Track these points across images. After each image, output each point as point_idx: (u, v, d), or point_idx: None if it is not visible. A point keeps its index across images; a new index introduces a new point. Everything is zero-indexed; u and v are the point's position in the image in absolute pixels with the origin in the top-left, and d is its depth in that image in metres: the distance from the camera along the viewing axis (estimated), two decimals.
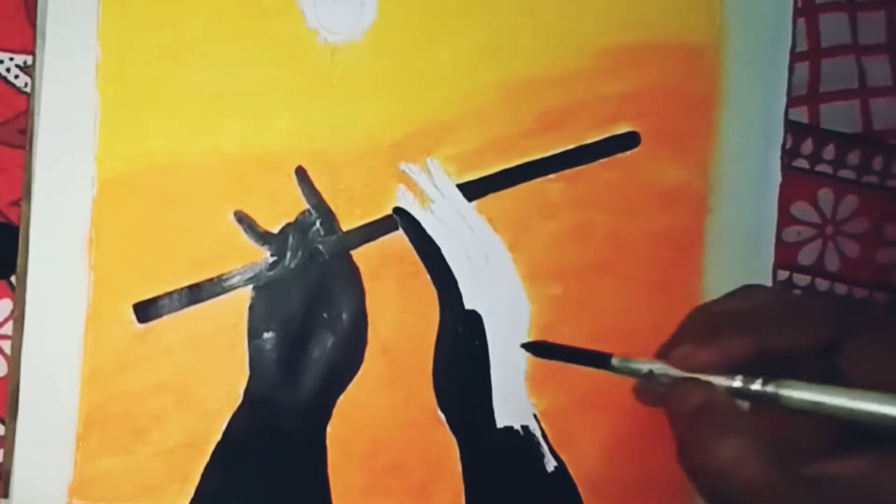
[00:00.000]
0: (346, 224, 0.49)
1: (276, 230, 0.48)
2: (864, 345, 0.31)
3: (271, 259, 0.48)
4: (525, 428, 0.50)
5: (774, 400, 0.31)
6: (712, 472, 0.30)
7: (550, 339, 0.49)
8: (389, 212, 0.49)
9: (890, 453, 0.30)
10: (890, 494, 0.30)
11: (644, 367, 0.33)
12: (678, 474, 0.50)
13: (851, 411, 0.30)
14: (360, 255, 0.49)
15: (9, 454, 0.46)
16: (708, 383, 0.32)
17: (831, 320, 0.32)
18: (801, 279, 0.53)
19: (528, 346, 0.41)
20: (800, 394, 0.31)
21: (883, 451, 0.30)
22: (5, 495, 0.46)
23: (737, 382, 0.32)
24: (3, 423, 0.47)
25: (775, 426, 0.32)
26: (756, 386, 0.31)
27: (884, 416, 0.29)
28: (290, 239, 0.48)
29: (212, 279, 0.48)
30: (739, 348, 0.32)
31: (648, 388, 0.34)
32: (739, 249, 0.51)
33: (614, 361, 0.34)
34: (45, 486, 0.46)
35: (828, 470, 0.31)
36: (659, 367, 0.33)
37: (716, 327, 0.33)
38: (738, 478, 0.30)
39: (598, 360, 0.35)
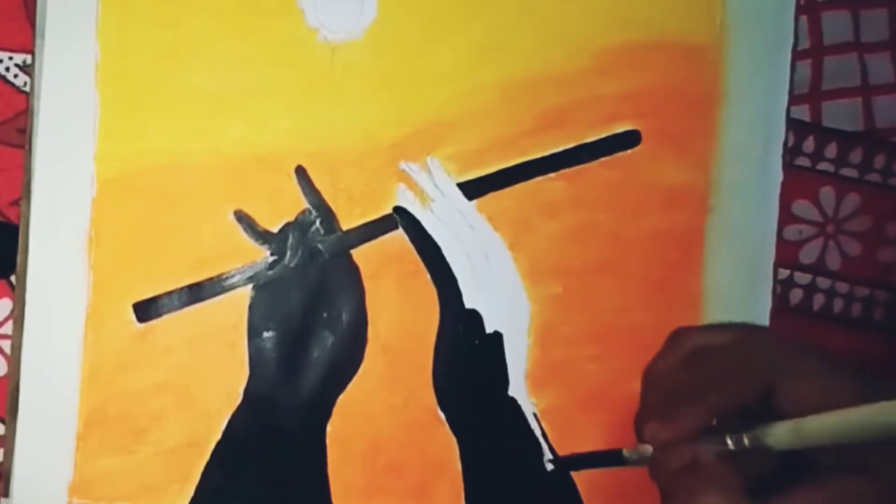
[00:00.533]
0: (346, 223, 0.49)
1: (275, 229, 0.48)
2: (795, 388, 0.33)
3: (271, 258, 0.48)
4: (525, 427, 0.50)
5: (764, 445, 0.33)
6: None
7: (551, 339, 0.50)
8: (389, 211, 0.49)
9: (836, 482, 0.32)
10: None
11: (649, 450, 0.36)
12: None
13: (834, 432, 0.31)
14: (360, 254, 0.49)
15: (9, 454, 0.46)
16: (689, 444, 0.34)
17: (767, 370, 0.34)
18: (802, 277, 0.53)
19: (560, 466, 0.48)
20: (782, 431, 0.33)
21: (824, 481, 0.32)
22: (6, 495, 0.46)
23: (730, 444, 0.34)
24: (4, 422, 0.47)
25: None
26: (746, 442, 0.34)
27: (860, 430, 0.30)
28: (290, 238, 0.48)
29: (212, 279, 0.48)
30: (696, 420, 0.34)
31: (643, 461, 0.37)
32: (740, 248, 0.51)
33: (626, 454, 0.38)
34: (46, 485, 0.46)
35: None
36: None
37: (669, 401, 0.35)
38: None
39: (614, 458, 0.39)
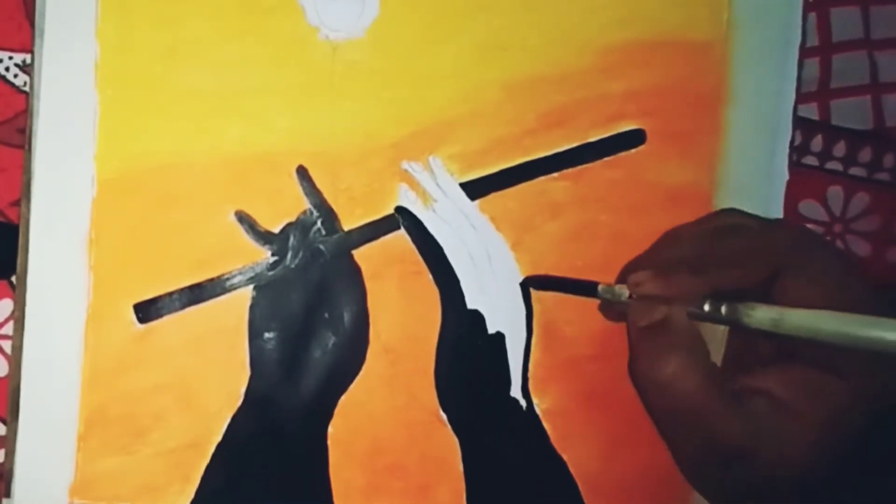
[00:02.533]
0: (348, 223, 0.49)
1: (277, 230, 0.48)
2: (798, 282, 0.33)
3: (272, 259, 0.48)
4: (527, 428, 0.50)
5: (738, 321, 0.33)
6: (657, 383, 0.32)
7: (551, 339, 0.50)
8: (391, 211, 0.49)
9: (805, 374, 0.32)
10: (804, 417, 0.32)
11: (624, 293, 0.36)
12: (677, 474, 0.50)
13: (812, 330, 0.31)
14: (361, 254, 0.49)
15: (10, 454, 0.46)
16: (669, 303, 0.34)
17: (776, 257, 0.33)
18: None
19: (528, 282, 0.46)
20: (762, 314, 0.32)
21: (796, 369, 0.32)
22: (7, 495, 0.46)
23: (707, 307, 0.34)
24: (4, 423, 0.47)
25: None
26: (723, 310, 0.33)
27: (836, 335, 0.30)
28: (291, 238, 0.48)
29: (212, 279, 0.48)
30: (691, 286, 0.34)
31: (613, 306, 0.37)
32: None
33: (600, 289, 0.37)
34: (47, 486, 0.46)
35: (749, 382, 0.33)
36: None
37: (673, 262, 0.35)
38: (679, 391, 0.32)
39: (587, 289, 0.38)
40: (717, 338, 0.36)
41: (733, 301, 0.33)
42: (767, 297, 0.33)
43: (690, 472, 0.34)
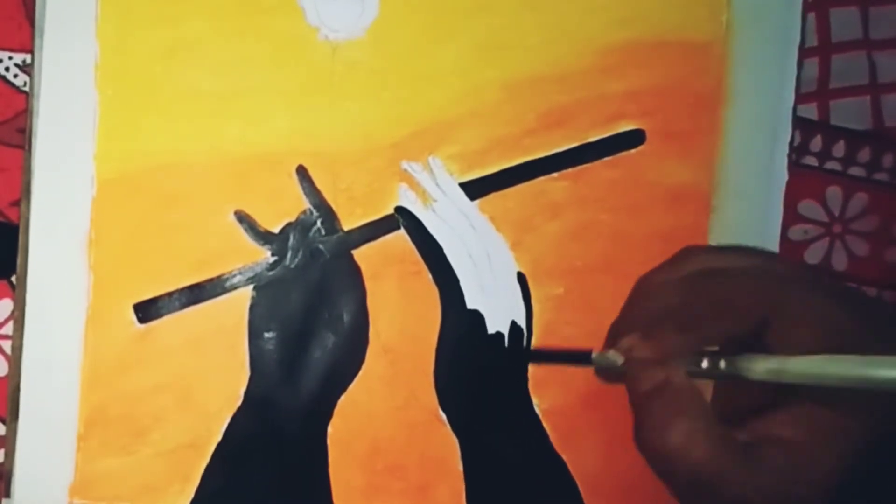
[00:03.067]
0: (348, 223, 0.49)
1: (276, 230, 0.48)
2: (791, 328, 0.32)
3: (272, 259, 0.48)
4: (526, 428, 0.50)
5: (739, 375, 0.32)
6: (665, 453, 0.31)
7: (551, 339, 0.50)
8: (391, 211, 0.49)
9: (811, 412, 0.31)
10: (816, 456, 0.31)
11: (619, 359, 0.34)
12: None
13: (815, 376, 0.31)
14: (361, 254, 0.49)
15: (10, 454, 0.46)
16: (667, 364, 0.33)
17: (764, 304, 0.32)
18: None
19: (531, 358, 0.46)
20: (762, 365, 0.32)
21: (805, 408, 0.31)
22: (7, 495, 0.46)
23: (705, 364, 0.33)
24: (4, 423, 0.47)
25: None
26: (722, 365, 0.33)
27: (840, 378, 0.30)
28: (291, 238, 0.48)
29: (212, 279, 0.48)
30: (681, 344, 0.33)
31: (609, 368, 0.35)
32: None
33: (594, 357, 0.36)
34: (46, 486, 0.46)
35: (760, 429, 0.32)
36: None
37: (658, 319, 0.33)
38: (689, 460, 0.31)
39: (581, 357, 0.36)
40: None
41: (731, 355, 0.32)
42: (762, 343, 0.32)
43: None
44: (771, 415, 0.32)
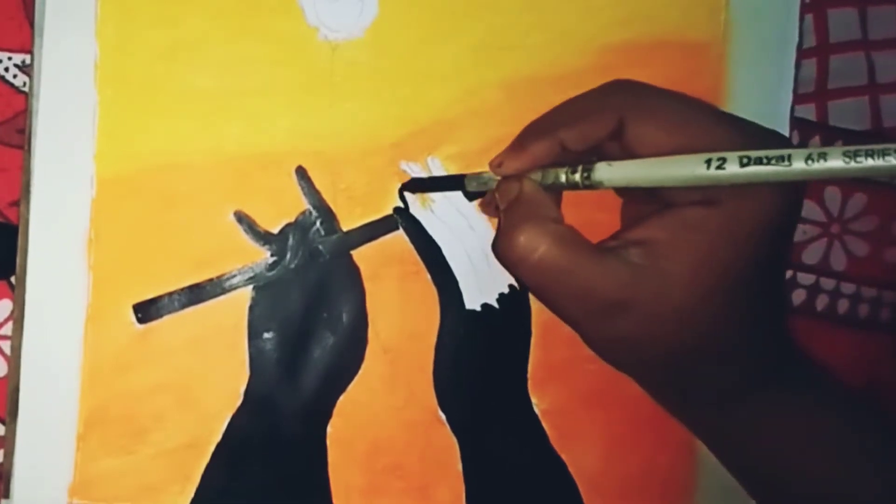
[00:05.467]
0: (347, 224, 0.49)
1: (276, 230, 0.48)
2: (645, 127, 0.32)
3: (271, 259, 0.48)
4: (526, 428, 0.50)
5: (593, 185, 0.33)
6: (512, 255, 0.32)
7: (551, 339, 0.50)
8: (390, 211, 0.49)
9: (680, 214, 0.32)
10: (681, 251, 0.31)
11: (493, 178, 0.36)
12: (678, 474, 0.50)
13: (660, 179, 0.31)
14: (360, 255, 0.49)
15: (9, 454, 0.46)
16: (520, 179, 0.34)
17: (620, 105, 0.33)
18: (806, 278, 0.52)
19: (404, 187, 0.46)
20: (613, 172, 0.32)
21: (672, 214, 0.32)
22: (6, 496, 0.46)
23: (562, 178, 0.33)
24: (4, 423, 0.47)
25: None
26: (576, 175, 0.33)
27: (688, 177, 0.30)
28: (291, 239, 0.48)
29: (212, 279, 0.48)
30: (543, 151, 0.33)
31: (490, 201, 0.36)
32: None
33: (467, 178, 0.38)
34: (46, 486, 0.46)
35: (624, 235, 0.32)
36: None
37: (526, 133, 0.35)
38: (535, 259, 0.31)
39: (455, 182, 0.38)
40: None
41: (586, 164, 0.33)
42: (624, 153, 0.33)
43: (586, 337, 0.33)
44: (642, 224, 0.32)
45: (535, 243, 0.31)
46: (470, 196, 0.49)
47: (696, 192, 0.31)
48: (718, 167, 0.29)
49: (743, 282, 0.32)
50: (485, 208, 0.39)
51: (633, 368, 0.35)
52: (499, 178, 0.35)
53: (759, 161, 0.29)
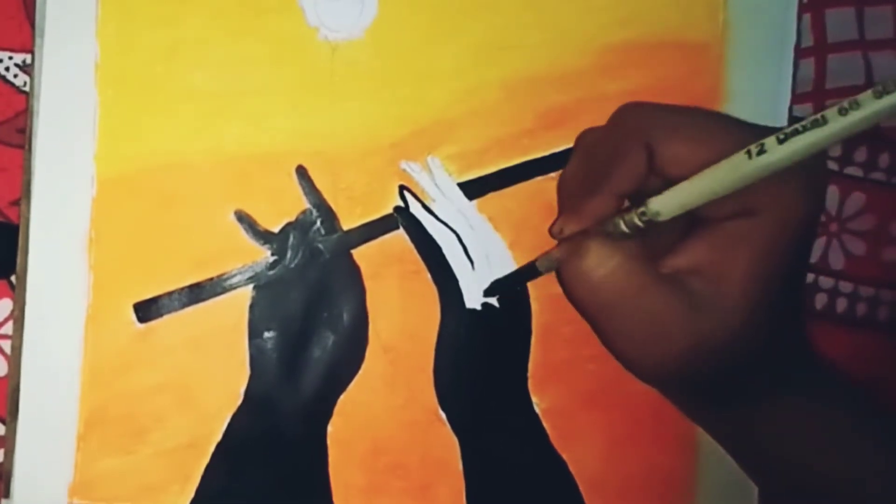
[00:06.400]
0: (347, 223, 0.49)
1: (276, 229, 0.48)
2: (671, 147, 0.31)
3: (272, 258, 0.48)
4: (526, 427, 0.50)
5: (652, 219, 0.32)
6: (580, 273, 0.31)
7: (552, 339, 0.50)
8: (390, 211, 0.49)
9: (721, 231, 0.31)
10: (732, 268, 0.31)
11: (555, 254, 0.34)
12: (678, 474, 0.50)
13: (713, 191, 0.30)
14: (360, 254, 0.49)
15: (9, 454, 0.46)
16: (582, 232, 0.33)
17: (639, 133, 0.32)
18: None
19: (486, 293, 0.43)
20: (666, 201, 0.31)
21: (714, 231, 0.32)
22: (6, 495, 0.46)
23: (622, 227, 0.32)
24: (4, 423, 0.47)
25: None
26: (632, 216, 0.32)
27: (737, 177, 0.30)
28: (291, 238, 0.48)
29: (212, 279, 0.48)
30: (601, 209, 0.32)
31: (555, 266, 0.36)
32: None
33: (538, 263, 0.36)
34: (46, 486, 0.46)
35: (676, 262, 0.32)
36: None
37: (570, 191, 0.34)
38: (600, 273, 0.31)
39: (530, 270, 0.36)
40: None
41: (636, 206, 0.32)
42: (657, 178, 0.32)
43: (631, 364, 0.32)
44: (685, 248, 0.32)
45: (605, 257, 0.31)
46: (470, 195, 0.49)
47: (733, 204, 0.31)
48: (760, 152, 0.29)
49: (780, 287, 0.32)
50: (559, 279, 0.37)
51: (665, 384, 0.34)
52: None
53: (795, 132, 0.29)
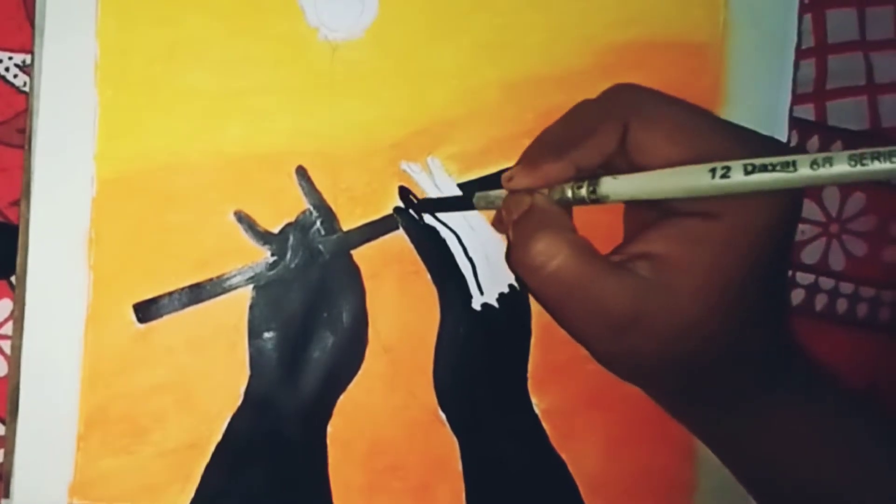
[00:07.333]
0: (347, 223, 0.49)
1: (276, 230, 0.48)
2: (645, 132, 0.32)
3: (272, 259, 0.48)
4: (526, 428, 0.50)
5: (599, 199, 0.33)
6: (529, 267, 0.32)
7: (551, 339, 0.50)
8: (390, 211, 0.49)
9: (682, 226, 0.32)
10: (686, 265, 0.31)
11: (501, 196, 0.36)
12: (678, 474, 0.50)
13: (665, 191, 0.31)
14: (360, 254, 0.49)
15: (9, 454, 0.46)
16: (530, 192, 0.34)
17: (619, 114, 0.33)
18: (805, 278, 0.52)
19: (414, 209, 0.45)
20: (618, 186, 0.32)
21: (676, 224, 0.32)
22: (6, 496, 0.46)
23: (568, 193, 0.33)
24: (4, 423, 0.47)
25: None
26: (581, 190, 0.33)
27: (693, 189, 0.30)
28: (291, 239, 0.48)
29: (212, 279, 0.48)
30: (556, 173, 0.33)
31: (500, 218, 0.36)
32: None
33: (475, 198, 0.38)
34: (46, 486, 0.46)
35: (631, 249, 0.33)
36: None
37: (539, 150, 0.34)
38: (551, 268, 0.31)
39: (464, 202, 0.38)
40: None
41: (592, 179, 0.33)
42: (625, 160, 0.32)
43: (595, 351, 0.33)
44: (645, 236, 0.33)
45: (553, 251, 0.31)
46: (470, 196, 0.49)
47: (699, 203, 0.31)
48: (723, 176, 0.29)
49: (747, 288, 0.32)
50: (496, 226, 0.38)
51: (640, 379, 0.35)
52: (505, 195, 0.35)
53: (763, 168, 0.29)
